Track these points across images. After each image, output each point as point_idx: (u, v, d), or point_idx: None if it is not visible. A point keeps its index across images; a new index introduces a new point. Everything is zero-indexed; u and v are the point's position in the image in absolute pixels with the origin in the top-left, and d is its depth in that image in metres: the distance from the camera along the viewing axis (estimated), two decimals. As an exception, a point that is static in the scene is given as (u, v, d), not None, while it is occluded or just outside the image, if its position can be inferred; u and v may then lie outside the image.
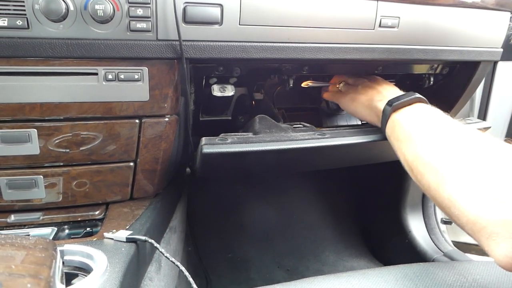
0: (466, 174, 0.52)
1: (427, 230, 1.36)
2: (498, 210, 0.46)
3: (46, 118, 0.67)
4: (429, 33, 0.84)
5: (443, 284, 0.66)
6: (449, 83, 1.05)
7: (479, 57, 0.93)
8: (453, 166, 0.54)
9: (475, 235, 0.50)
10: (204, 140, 0.73)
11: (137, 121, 0.72)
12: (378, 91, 0.83)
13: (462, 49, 0.90)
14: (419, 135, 0.65)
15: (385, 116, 0.75)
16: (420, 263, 0.74)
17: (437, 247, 1.30)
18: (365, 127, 0.86)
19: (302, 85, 1.01)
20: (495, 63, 1.09)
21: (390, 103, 0.75)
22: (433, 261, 1.25)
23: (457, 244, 1.38)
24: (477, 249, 1.41)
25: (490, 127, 0.99)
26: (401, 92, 0.82)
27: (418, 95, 0.75)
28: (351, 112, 0.91)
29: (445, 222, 1.37)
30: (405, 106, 0.74)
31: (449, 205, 0.53)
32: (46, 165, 0.71)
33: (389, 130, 0.75)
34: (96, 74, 0.65)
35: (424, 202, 1.38)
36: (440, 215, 1.39)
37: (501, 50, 0.95)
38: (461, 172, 0.53)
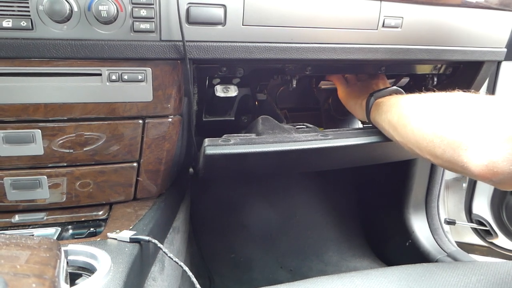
0: (443, 115, 0.64)
1: (431, 231, 1.36)
2: (472, 129, 0.58)
3: (50, 119, 0.67)
4: (433, 33, 0.84)
5: (446, 284, 0.66)
6: (452, 83, 1.05)
7: (483, 57, 0.92)
8: (432, 112, 0.66)
9: (455, 152, 0.60)
10: (207, 141, 0.73)
11: (140, 121, 0.72)
12: (369, 90, 0.91)
13: (466, 49, 0.89)
14: (401, 102, 0.75)
15: (368, 105, 0.85)
16: (424, 263, 0.73)
17: (441, 248, 1.30)
18: (368, 128, 0.86)
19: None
20: (499, 63, 1.09)
21: (372, 94, 0.85)
22: (436, 261, 1.24)
23: (461, 245, 1.38)
24: (481, 250, 1.41)
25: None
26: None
27: (397, 88, 0.88)
28: (344, 104, 1.00)
29: (448, 223, 1.37)
30: (385, 95, 0.84)
31: (432, 137, 0.64)
32: (50, 165, 0.71)
33: (372, 113, 0.83)
34: (99, 74, 0.65)
35: (428, 202, 1.38)
36: (443, 215, 1.39)
37: (505, 50, 0.94)
38: (439, 114, 0.65)
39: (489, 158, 0.55)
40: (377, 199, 1.58)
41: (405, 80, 1.12)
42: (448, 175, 1.38)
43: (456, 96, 0.67)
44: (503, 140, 0.54)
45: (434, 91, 0.75)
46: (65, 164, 0.72)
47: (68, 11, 0.59)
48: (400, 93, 0.86)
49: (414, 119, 0.69)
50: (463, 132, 0.59)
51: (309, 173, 1.67)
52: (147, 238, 0.66)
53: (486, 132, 0.56)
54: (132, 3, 0.62)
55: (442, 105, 0.66)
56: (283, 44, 0.74)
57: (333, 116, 1.16)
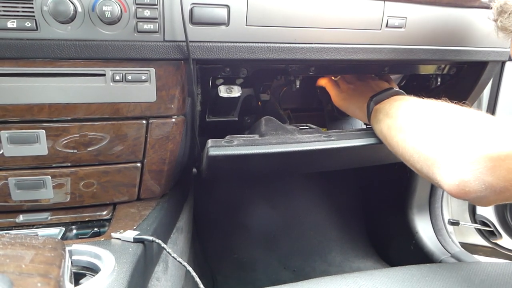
0: (423, 130, 0.66)
1: (434, 231, 1.36)
2: (445, 148, 0.60)
3: (54, 119, 0.67)
4: (437, 33, 0.84)
5: (450, 285, 0.66)
6: (456, 83, 1.05)
7: (487, 57, 0.92)
8: (415, 126, 0.68)
9: (430, 169, 0.62)
10: (210, 142, 0.73)
11: (144, 121, 0.72)
12: (366, 92, 0.90)
13: (470, 49, 0.89)
14: (393, 112, 0.76)
15: (369, 109, 0.85)
16: (427, 264, 0.73)
17: (444, 248, 1.29)
18: (371, 129, 0.86)
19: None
20: (503, 63, 1.08)
21: (372, 98, 0.85)
22: (440, 262, 1.24)
23: (465, 246, 1.37)
24: (485, 251, 1.40)
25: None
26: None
27: (397, 89, 0.86)
28: (343, 109, 0.99)
29: (452, 223, 1.37)
30: (384, 99, 0.83)
31: (412, 152, 0.67)
32: (54, 165, 0.72)
33: (372, 119, 0.83)
34: (103, 75, 0.66)
35: (431, 203, 1.38)
36: (447, 216, 1.39)
37: (509, 50, 0.94)
38: (420, 129, 0.67)
39: (460, 177, 0.56)
40: (381, 199, 1.58)
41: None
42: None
43: (439, 110, 0.69)
44: (473, 160, 0.55)
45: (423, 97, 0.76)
46: (69, 164, 0.73)
47: (72, 12, 0.59)
48: (401, 94, 0.85)
49: (400, 131, 0.71)
50: (437, 149, 0.61)
51: (312, 174, 1.67)
52: (150, 238, 0.66)
53: (458, 151, 0.58)
54: (136, 4, 0.62)
55: (424, 119, 0.68)
56: (287, 45, 0.74)
57: (336, 117, 1.16)
